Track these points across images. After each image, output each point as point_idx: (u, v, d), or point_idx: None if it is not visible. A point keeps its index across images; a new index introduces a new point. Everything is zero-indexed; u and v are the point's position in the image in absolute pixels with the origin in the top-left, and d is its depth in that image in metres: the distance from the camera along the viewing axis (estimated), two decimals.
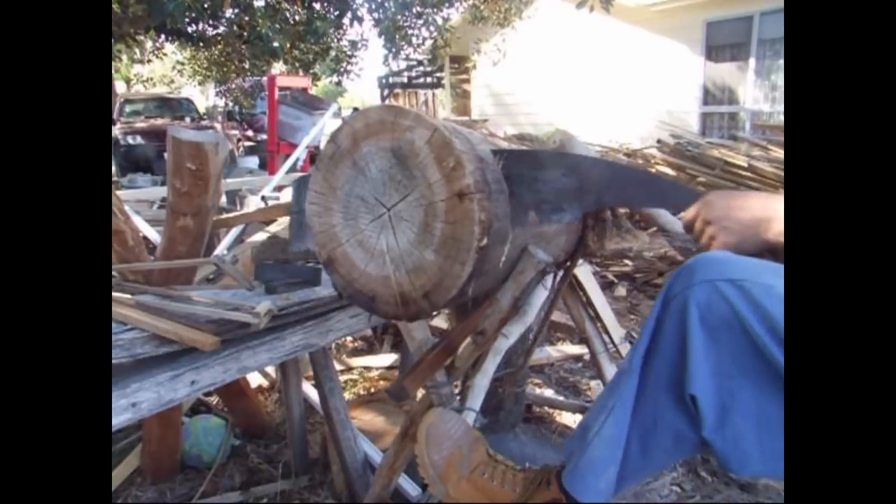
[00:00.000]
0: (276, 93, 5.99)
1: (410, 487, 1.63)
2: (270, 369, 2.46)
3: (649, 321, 0.89)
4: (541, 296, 1.46)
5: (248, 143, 11.76)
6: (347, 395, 2.40)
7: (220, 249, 2.42)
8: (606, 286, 3.87)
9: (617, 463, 0.90)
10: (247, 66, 9.93)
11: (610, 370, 1.94)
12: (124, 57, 12.94)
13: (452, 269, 0.89)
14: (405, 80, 12.61)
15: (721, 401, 0.82)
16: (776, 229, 0.85)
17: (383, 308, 0.98)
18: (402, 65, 11.21)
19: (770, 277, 0.78)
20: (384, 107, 0.92)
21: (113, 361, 1.05)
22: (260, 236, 1.94)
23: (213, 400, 2.31)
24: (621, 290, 3.80)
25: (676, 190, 1.00)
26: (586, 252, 1.33)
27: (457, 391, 1.28)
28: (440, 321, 2.51)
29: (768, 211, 0.87)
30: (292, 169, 4.64)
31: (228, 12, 7.66)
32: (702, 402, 0.82)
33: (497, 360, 1.31)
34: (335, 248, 0.99)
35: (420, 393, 1.24)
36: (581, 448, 0.94)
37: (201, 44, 9.32)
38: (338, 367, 2.63)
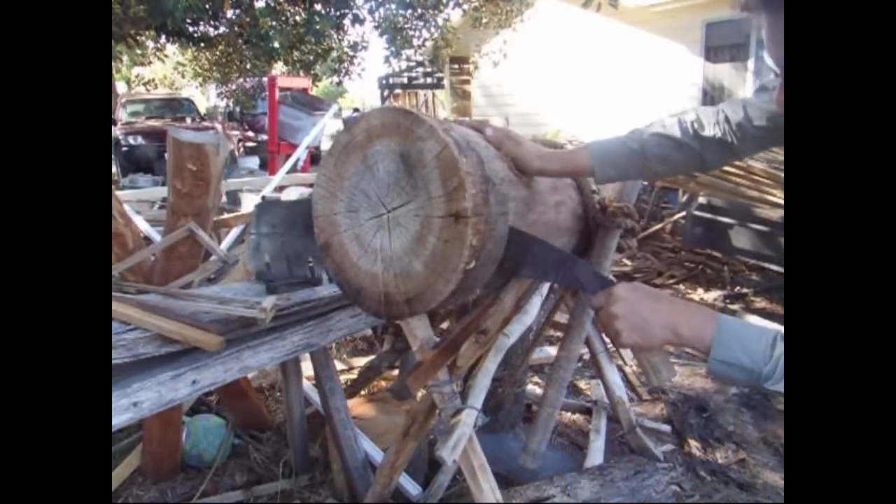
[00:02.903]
0: (277, 93, 5.99)
1: (411, 487, 1.64)
2: (271, 369, 2.47)
3: None
4: (542, 295, 1.47)
5: (248, 144, 11.77)
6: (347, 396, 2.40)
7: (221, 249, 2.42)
8: None
9: None
10: (248, 66, 9.94)
11: (610, 369, 1.94)
12: (125, 58, 12.92)
13: (436, 284, 0.91)
14: (405, 80, 12.61)
15: None
16: (683, 333, 0.85)
17: (366, 303, 1.01)
18: (403, 65, 11.22)
19: None
20: (403, 110, 0.93)
21: (115, 361, 1.05)
22: None
23: (214, 399, 2.31)
24: None
25: (589, 276, 1.00)
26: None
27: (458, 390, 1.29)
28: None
29: (676, 315, 0.86)
30: (293, 169, 4.65)
31: (229, 13, 7.68)
32: None
33: (498, 359, 1.31)
34: (333, 236, 1.01)
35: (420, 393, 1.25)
36: None
37: (202, 44, 9.33)
38: (339, 366, 2.63)
